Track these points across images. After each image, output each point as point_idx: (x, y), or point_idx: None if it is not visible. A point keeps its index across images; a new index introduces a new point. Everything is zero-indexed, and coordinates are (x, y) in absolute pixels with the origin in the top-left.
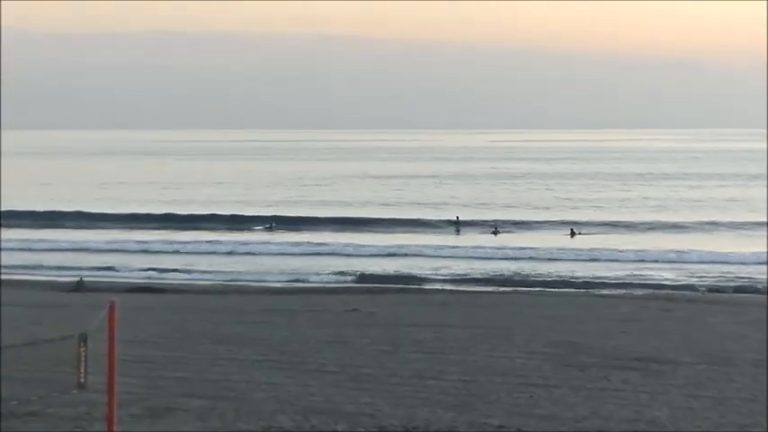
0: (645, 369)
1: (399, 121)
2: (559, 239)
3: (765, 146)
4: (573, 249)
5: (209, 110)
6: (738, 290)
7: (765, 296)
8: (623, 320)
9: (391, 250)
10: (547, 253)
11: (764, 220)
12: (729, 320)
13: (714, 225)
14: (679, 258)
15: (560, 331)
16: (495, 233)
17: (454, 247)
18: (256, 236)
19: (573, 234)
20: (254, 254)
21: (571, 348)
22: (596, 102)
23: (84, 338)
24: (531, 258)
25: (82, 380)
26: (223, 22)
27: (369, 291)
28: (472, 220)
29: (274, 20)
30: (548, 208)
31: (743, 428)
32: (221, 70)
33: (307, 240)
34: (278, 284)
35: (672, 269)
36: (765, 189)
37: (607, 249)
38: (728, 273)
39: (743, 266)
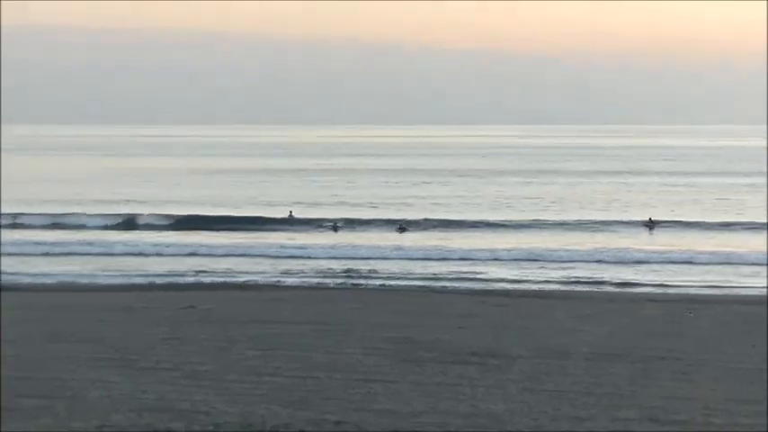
0: (481, 364)
1: (221, 116)
2: (393, 237)
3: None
4: (407, 247)
5: (40, 103)
6: (572, 285)
7: (599, 291)
8: (460, 316)
9: (227, 249)
10: (384, 250)
11: (591, 217)
12: (564, 315)
13: (545, 222)
14: (509, 256)
15: (398, 327)
16: (334, 230)
17: (289, 246)
18: (91, 235)
19: (402, 230)
20: (88, 253)
21: (409, 344)
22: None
23: None
24: (367, 257)
25: None
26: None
27: (204, 287)
28: (308, 218)
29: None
30: (381, 204)
31: (578, 421)
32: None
33: (143, 238)
34: (113, 281)
35: (505, 266)
36: (596, 187)
37: (439, 247)
38: (561, 269)
39: (572, 263)
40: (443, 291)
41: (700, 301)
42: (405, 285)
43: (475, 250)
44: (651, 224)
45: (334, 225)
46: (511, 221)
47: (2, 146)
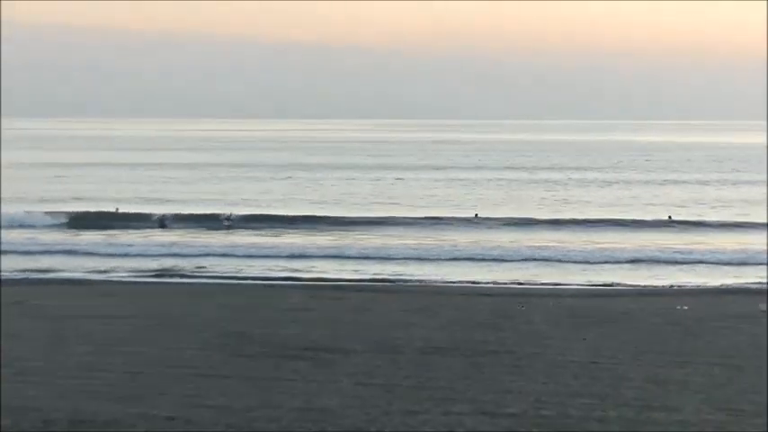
0: (315, 358)
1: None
2: (222, 232)
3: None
4: (237, 243)
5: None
6: (406, 281)
7: (431, 285)
8: (294, 310)
9: (53, 245)
10: (214, 246)
11: (422, 214)
12: (399, 309)
13: (369, 219)
14: (340, 253)
15: (230, 322)
16: (162, 225)
17: (117, 243)
18: None
19: (230, 225)
20: None
21: (241, 339)
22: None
23: None
24: (196, 253)
25: None
26: None
27: (32, 283)
28: (136, 213)
29: None
30: (210, 200)
31: (411, 415)
32: None
33: None
34: None
35: (338, 262)
36: (425, 183)
37: (270, 243)
38: (391, 264)
39: (405, 260)
40: (275, 286)
41: (531, 295)
42: (236, 281)
43: (307, 246)
44: (477, 221)
45: (162, 220)
46: (344, 218)
47: None
